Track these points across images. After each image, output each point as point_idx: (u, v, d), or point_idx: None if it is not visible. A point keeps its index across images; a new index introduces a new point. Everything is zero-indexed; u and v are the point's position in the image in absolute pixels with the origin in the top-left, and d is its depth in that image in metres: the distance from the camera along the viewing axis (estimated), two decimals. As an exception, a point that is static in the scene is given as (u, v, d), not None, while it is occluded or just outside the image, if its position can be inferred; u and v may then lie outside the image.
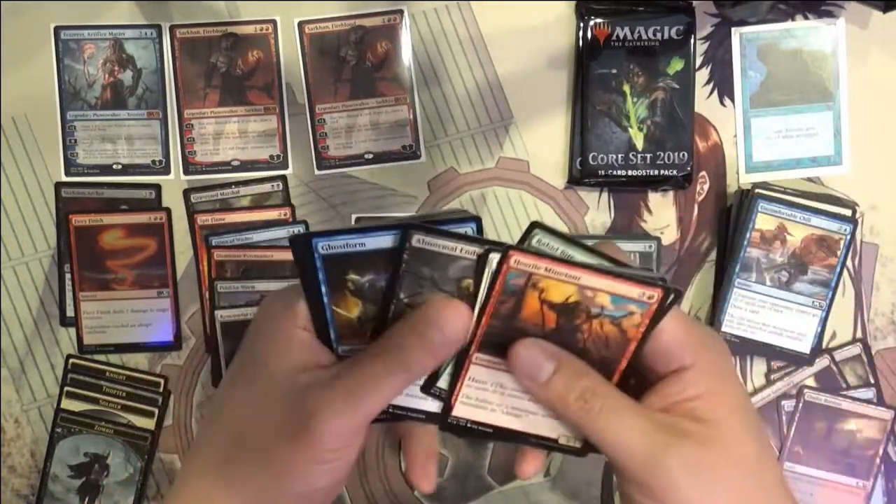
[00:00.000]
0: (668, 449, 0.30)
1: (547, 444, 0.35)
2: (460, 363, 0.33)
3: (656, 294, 0.31)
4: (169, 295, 0.60)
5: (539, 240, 0.32)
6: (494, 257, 0.31)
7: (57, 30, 0.60)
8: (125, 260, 0.60)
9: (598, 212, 0.60)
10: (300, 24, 0.60)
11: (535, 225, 0.32)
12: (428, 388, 0.34)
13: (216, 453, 0.34)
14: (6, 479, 0.61)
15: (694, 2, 0.59)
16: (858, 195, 0.60)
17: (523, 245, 0.32)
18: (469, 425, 0.35)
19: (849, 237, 0.58)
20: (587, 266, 0.31)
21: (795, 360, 0.59)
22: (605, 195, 0.60)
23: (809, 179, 0.60)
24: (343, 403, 0.31)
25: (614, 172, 0.59)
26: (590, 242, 0.33)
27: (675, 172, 0.58)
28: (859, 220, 0.59)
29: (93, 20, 0.60)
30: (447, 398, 0.34)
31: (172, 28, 0.60)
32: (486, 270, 0.31)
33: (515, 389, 0.34)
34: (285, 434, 0.32)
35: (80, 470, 0.60)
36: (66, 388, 0.60)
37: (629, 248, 0.59)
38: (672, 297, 0.31)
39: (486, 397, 0.34)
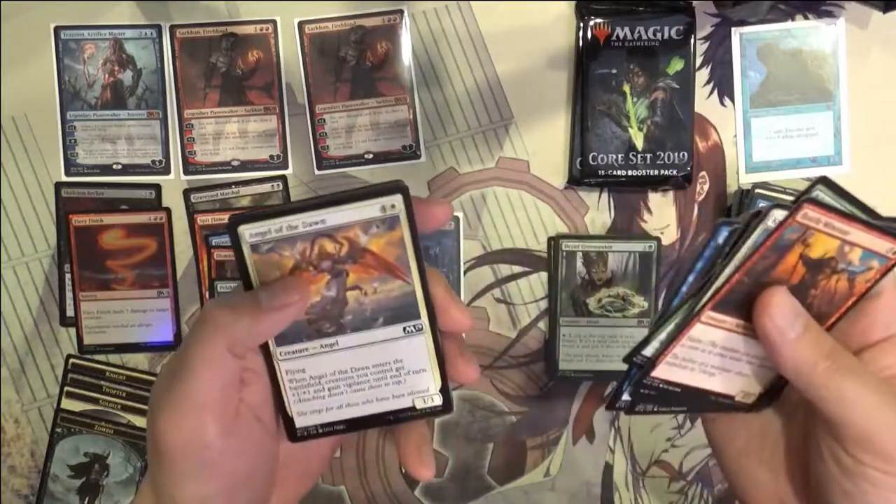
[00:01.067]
0: None
1: (724, 403, 0.35)
2: (685, 324, 0.32)
3: None
4: (169, 295, 0.60)
5: (818, 195, 0.32)
6: (779, 213, 0.30)
7: (57, 30, 0.60)
8: (125, 260, 0.60)
9: (598, 212, 0.60)
10: (300, 24, 0.60)
11: (821, 180, 0.32)
12: (630, 357, 0.33)
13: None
14: (6, 479, 0.61)
15: (694, 2, 0.59)
16: (858, 195, 0.59)
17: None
18: (661, 385, 0.34)
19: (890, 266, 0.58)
20: (862, 221, 0.31)
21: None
22: (605, 195, 0.60)
23: (809, 179, 0.60)
24: (175, 410, 0.30)
25: (614, 172, 0.59)
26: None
27: (675, 172, 0.58)
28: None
29: (93, 20, 0.60)
30: (648, 365, 0.33)
31: (172, 28, 0.60)
32: (758, 227, 0.30)
33: (729, 349, 0.33)
34: (150, 451, 0.31)
35: (80, 470, 0.60)
36: (66, 388, 0.60)
37: (629, 249, 0.59)
38: None
39: (693, 356, 0.33)
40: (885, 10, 0.57)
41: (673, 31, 0.58)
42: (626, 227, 0.60)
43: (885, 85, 0.60)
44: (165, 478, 0.30)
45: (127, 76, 0.60)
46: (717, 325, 0.32)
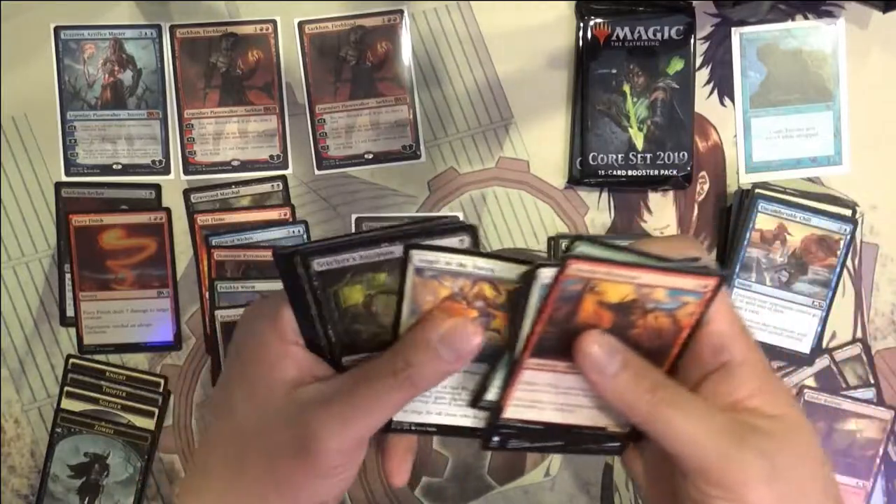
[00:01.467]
0: (743, 443, 0.30)
1: (598, 435, 0.35)
2: (512, 371, 0.33)
3: (711, 283, 0.31)
4: (169, 295, 0.60)
5: (581, 251, 0.32)
6: (547, 272, 0.30)
7: (57, 30, 0.60)
8: (125, 260, 0.60)
9: (598, 212, 0.60)
10: (300, 24, 0.60)
11: (578, 238, 0.32)
12: (476, 402, 0.34)
13: (219, 474, 0.34)
14: (6, 479, 0.61)
15: (694, 2, 0.59)
16: (858, 195, 0.60)
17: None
18: (518, 423, 0.35)
19: (849, 237, 0.58)
20: (645, 265, 0.31)
21: (796, 360, 0.59)
22: (605, 195, 0.60)
23: (809, 179, 0.60)
24: (342, 422, 0.31)
25: (614, 172, 0.59)
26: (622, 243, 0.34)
27: (675, 172, 0.58)
28: (859, 220, 0.59)
29: (93, 20, 0.60)
30: (495, 408, 0.34)
31: (172, 28, 0.60)
32: (535, 285, 0.31)
33: (568, 387, 0.34)
34: (288, 453, 0.32)
35: (80, 470, 0.60)
36: (66, 388, 0.60)
37: (629, 248, 0.59)
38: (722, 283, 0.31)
39: (538, 398, 0.34)
40: (885, 10, 0.57)
41: (673, 31, 0.58)
42: (626, 227, 0.60)
43: (885, 85, 0.60)
44: (298, 473, 0.32)
45: (127, 76, 0.60)
46: (547, 368, 0.33)
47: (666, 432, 0.30)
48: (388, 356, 0.32)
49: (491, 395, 0.34)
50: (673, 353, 0.33)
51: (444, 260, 0.31)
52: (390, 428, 0.35)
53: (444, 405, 0.35)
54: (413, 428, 0.35)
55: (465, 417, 0.35)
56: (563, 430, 0.35)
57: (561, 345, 0.32)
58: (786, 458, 0.30)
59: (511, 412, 0.34)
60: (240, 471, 0.33)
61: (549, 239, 0.60)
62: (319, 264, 0.32)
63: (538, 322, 0.31)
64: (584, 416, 0.34)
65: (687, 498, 0.31)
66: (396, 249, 0.32)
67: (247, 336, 0.35)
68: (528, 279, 0.31)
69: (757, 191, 0.58)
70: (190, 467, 0.36)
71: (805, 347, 0.58)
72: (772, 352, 0.58)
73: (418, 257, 0.31)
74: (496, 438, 0.35)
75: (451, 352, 0.31)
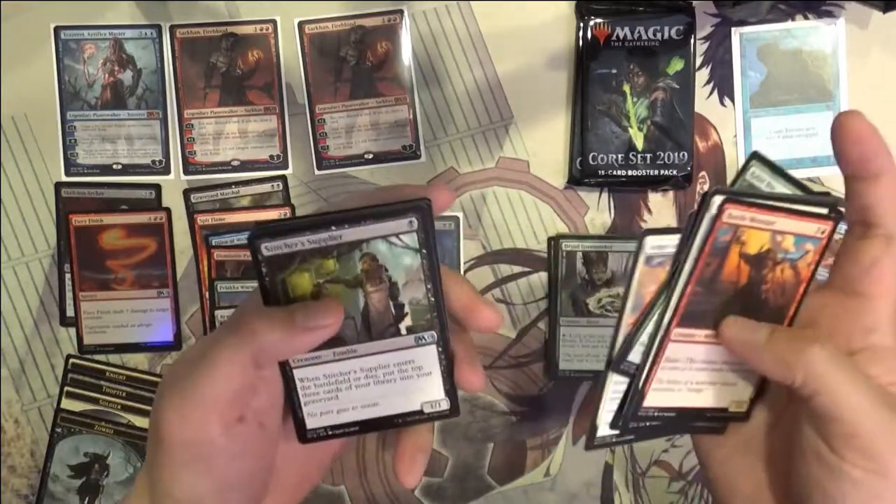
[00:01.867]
0: None
1: (719, 417, 0.34)
2: (659, 348, 0.32)
3: (828, 227, 0.32)
4: (169, 295, 0.60)
5: (753, 172, 0.32)
6: (708, 215, 0.30)
7: (57, 30, 0.60)
8: (125, 260, 0.60)
9: (598, 212, 0.60)
10: (300, 24, 0.60)
11: (754, 155, 0.32)
12: (618, 365, 0.33)
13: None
14: (6, 479, 0.61)
15: (694, 2, 0.59)
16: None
17: (738, 180, 0.32)
18: (655, 414, 0.34)
19: (824, 248, 0.58)
20: (783, 203, 0.31)
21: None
22: (605, 195, 0.60)
23: (809, 179, 0.60)
24: (181, 398, 0.30)
25: (614, 172, 0.59)
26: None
27: (675, 172, 0.58)
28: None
29: (93, 20, 0.60)
30: (639, 388, 0.33)
31: (172, 28, 0.60)
32: (700, 232, 0.30)
33: (704, 361, 0.33)
34: (150, 443, 0.32)
35: (80, 470, 0.60)
36: (66, 388, 0.60)
37: (629, 249, 0.59)
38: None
39: (677, 377, 0.33)
40: (885, 10, 0.57)
41: (673, 31, 0.58)
42: (625, 227, 0.60)
43: (885, 85, 0.60)
44: (162, 469, 0.31)
45: (127, 76, 0.60)
46: (689, 340, 0.32)
47: (828, 390, 0.29)
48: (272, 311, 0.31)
49: (634, 355, 0.33)
50: (791, 311, 0.33)
51: (671, 244, 0.31)
52: (306, 438, 0.33)
53: (350, 397, 0.33)
54: (330, 433, 0.33)
55: (377, 406, 0.34)
56: (687, 417, 0.34)
57: (707, 310, 0.32)
58: None
59: (652, 399, 0.33)
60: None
61: (549, 239, 0.60)
62: (267, 248, 0.31)
63: (690, 283, 0.31)
64: (712, 395, 0.34)
65: (818, 464, 0.30)
66: (345, 233, 0.31)
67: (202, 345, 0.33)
68: (693, 218, 0.31)
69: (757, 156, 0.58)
70: None
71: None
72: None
73: (651, 244, 0.31)
74: (608, 433, 0.34)
75: (302, 316, 0.30)
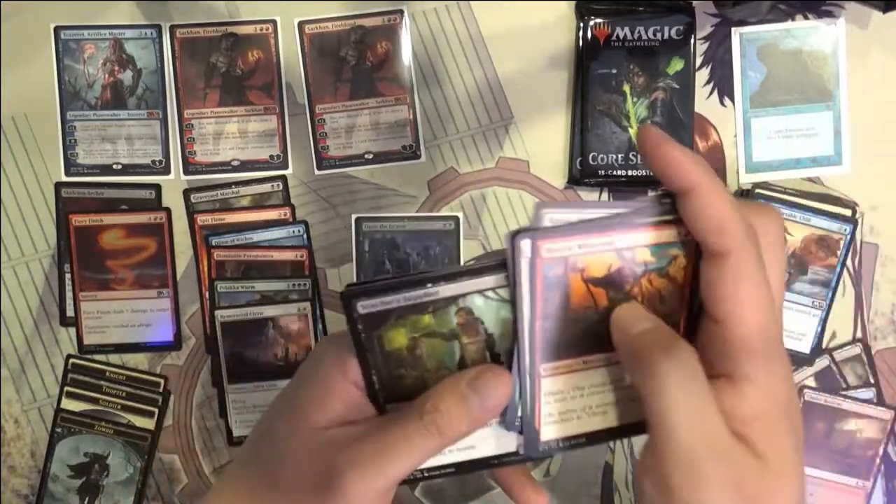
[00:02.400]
0: (719, 462, 0.27)
1: (637, 430, 0.34)
2: (532, 385, 0.32)
3: (685, 228, 0.30)
4: (169, 295, 0.60)
5: (550, 218, 0.30)
6: (524, 259, 0.29)
7: (57, 30, 0.60)
8: (125, 260, 0.60)
9: (598, 212, 0.60)
10: (300, 24, 0.60)
11: (540, 205, 0.30)
12: (511, 426, 0.33)
13: (248, 494, 0.34)
14: (6, 479, 0.61)
15: (694, 2, 0.59)
16: (858, 195, 0.60)
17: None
18: (561, 444, 0.33)
19: (849, 237, 0.58)
20: (614, 223, 0.29)
21: (796, 360, 0.59)
22: (605, 195, 0.60)
23: (809, 179, 0.60)
24: (370, 465, 0.31)
25: (614, 172, 0.59)
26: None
27: (675, 172, 0.58)
28: (859, 220, 0.59)
29: (93, 20, 0.60)
30: (531, 425, 0.33)
31: (172, 28, 0.60)
32: (520, 274, 0.30)
33: (593, 385, 0.32)
34: (314, 489, 0.31)
35: (80, 470, 0.60)
36: (66, 388, 0.60)
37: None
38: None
39: (569, 406, 0.33)
40: (885, 10, 0.57)
41: (673, 31, 0.58)
42: (626, 227, 0.60)
43: (885, 85, 0.60)
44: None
45: (127, 76, 0.60)
46: (567, 371, 0.32)
47: (663, 404, 0.27)
48: (419, 401, 0.32)
49: (521, 410, 0.33)
50: (681, 317, 0.31)
51: (387, 301, 0.31)
52: (416, 478, 0.34)
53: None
54: (426, 474, 0.34)
55: (485, 445, 0.34)
56: (603, 435, 0.33)
57: (566, 339, 0.31)
58: (755, 499, 0.27)
59: (547, 432, 0.33)
60: (267, 495, 0.33)
61: (549, 239, 0.60)
62: (363, 307, 0.31)
63: (535, 318, 0.31)
64: (619, 413, 0.33)
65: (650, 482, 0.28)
66: (441, 290, 0.31)
67: (310, 363, 0.34)
68: (505, 268, 0.30)
69: (757, 190, 0.58)
70: (224, 475, 0.36)
71: (805, 347, 0.58)
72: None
73: (360, 304, 0.31)
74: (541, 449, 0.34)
75: (478, 398, 0.31)
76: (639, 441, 0.60)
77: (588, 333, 0.32)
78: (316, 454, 0.32)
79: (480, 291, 0.31)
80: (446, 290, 0.31)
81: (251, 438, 0.36)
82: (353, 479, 0.30)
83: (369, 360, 0.32)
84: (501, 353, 0.32)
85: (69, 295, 0.60)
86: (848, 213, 0.58)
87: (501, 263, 0.31)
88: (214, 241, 0.60)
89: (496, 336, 0.32)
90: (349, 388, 0.33)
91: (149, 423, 0.60)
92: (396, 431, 0.31)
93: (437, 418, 0.31)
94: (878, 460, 0.59)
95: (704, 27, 0.60)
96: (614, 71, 0.58)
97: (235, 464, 0.36)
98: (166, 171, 0.61)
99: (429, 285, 0.31)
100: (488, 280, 0.31)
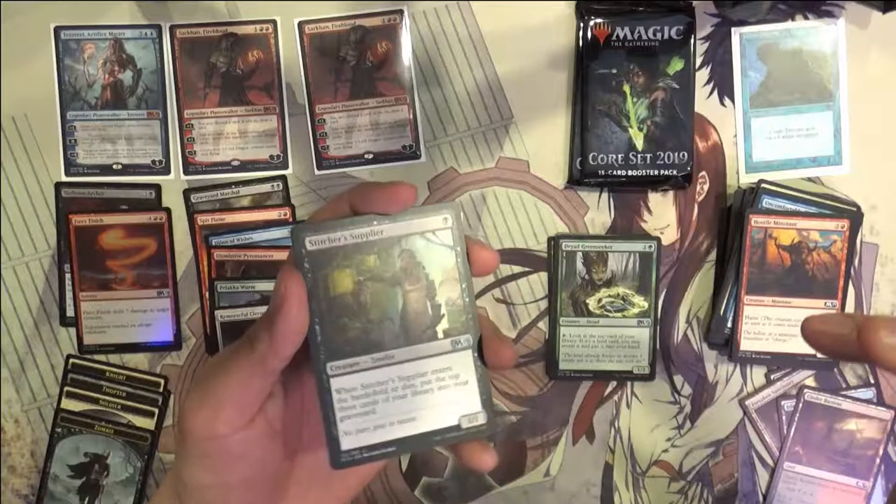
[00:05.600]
0: None
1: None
2: (737, 308, 0.52)
3: (846, 223, 0.54)
4: (169, 295, 0.60)
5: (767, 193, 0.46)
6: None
7: (57, 30, 0.60)
8: (125, 260, 0.60)
9: (598, 212, 0.60)
10: (300, 24, 0.60)
11: (761, 182, 0.47)
12: (717, 339, 0.47)
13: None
14: (6, 479, 0.61)
15: (694, 2, 0.59)
16: (858, 195, 0.60)
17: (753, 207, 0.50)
18: (752, 356, 0.55)
19: (849, 237, 0.58)
20: (801, 214, 0.43)
21: (812, 365, 0.59)
22: (605, 195, 0.60)
23: (809, 179, 0.60)
24: (200, 400, 0.32)
25: (614, 172, 0.59)
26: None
27: (675, 172, 0.58)
28: (859, 220, 0.59)
29: (93, 20, 0.60)
30: (732, 337, 0.52)
31: (172, 28, 0.60)
32: (742, 233, 0.48)
33: (779, 318, 0.45)
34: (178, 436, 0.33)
35: (80, 470, 0.60)
36: (66, 388, 0.60)
37: (629, 249, 0.59)
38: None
39: (760, 330, 0.51)
40: (885, 10, 0.57)
41: (673, 31, 0.58)
42: (626, 227, 0.60)
43: (885, 85, 0.60)
44: (178, 457, 0.33)
45: (127, 76, 0.60)
46: (759, 304, 0.47)
47: None
48: (246, 333, 0.32)
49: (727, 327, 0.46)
50: (841, 283, 0.50)
51: (332, 236, 0.32)
52: (340, 461, 0.32)
53: (387, 409, 0.32)
54: (364, 455, 0.32)
55: (413, 422, 0.33)
56: (786, 359, 0.49)
57: (764, 285, 0.55)
58: None
59: (745, 344, 0.46)
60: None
61: (549, 239, 0.60)
62: (311, 242, 0.31)
63: (743, 264, 0.54)
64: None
65: None
66: (385, 229, 0.32)
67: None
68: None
69: (763, 185, 0.58)
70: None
71: (806, 348, 0.58)
72: (796, 362, 0.58)
73: (308, 239, 0.32)
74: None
75: (282, 322, 0.31)
76: (638, 441, 0.60)
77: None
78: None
79: (422, 233, 0.32)
80: (390, 229, 0.32)
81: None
82: (190, 415, 0.31)
83: (313, 306, 0.32)
84: (441, 303, 0.32)
85: (69, 295, 0.60)
86: (848, 213, 0.58)
87: (441, 206, 0.32)
88: (214, 241, 0.60)
89: (436, 284, 0.32)
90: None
91: (149, 423, 0.60)
92: (225, 363, 0.32)
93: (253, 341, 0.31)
94: (878, 460, 0.59)
95: (704, 27, 0.60)
96: (614, 71, 0.58)
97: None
98: (166, 171, 0.61)
99: (374, 223, 0.32)
100: (430, 221, 0.32)
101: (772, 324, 0.57)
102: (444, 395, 0.33)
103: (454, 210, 0.33)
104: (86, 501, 0.60)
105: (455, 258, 0.32)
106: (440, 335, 0.33)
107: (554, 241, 0.60)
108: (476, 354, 0.33)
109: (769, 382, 0.60)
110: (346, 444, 0.32)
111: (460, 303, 0.33)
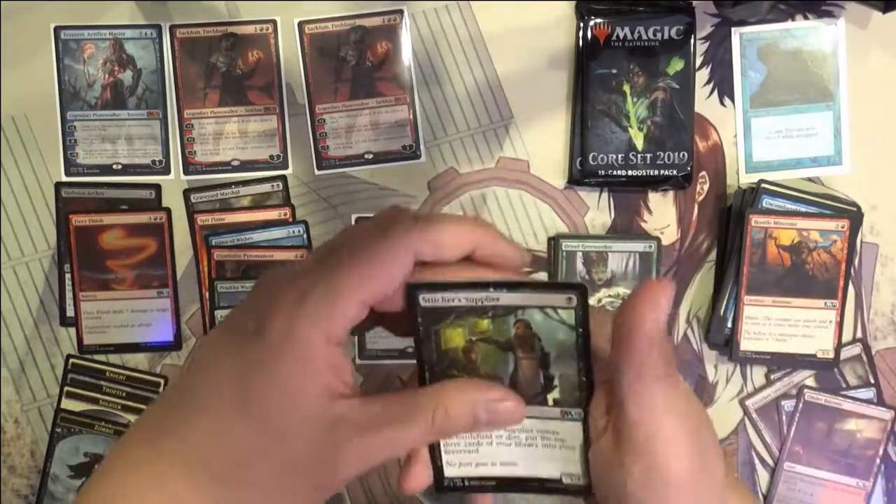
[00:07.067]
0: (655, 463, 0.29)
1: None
2: (737, 308, 0.53)
3: (846, 223, 0.54)
4: (169, 295, 0.60)
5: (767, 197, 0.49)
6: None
7: (57, 30, 0.60)
8: (125, 260, 0.60)
9: (598, 212, 0.60)
10: (300, 24, 0.60)
11: (761, 182, 0.47)
12: (717, 339, 0.51)
13: (220, 471, 0.30)
14: (6, 479, 0.61)
15: (694, 2, 0.59)
16: (858, 195, 0.60)
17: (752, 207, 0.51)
18: (752, 356, 0.56)
19: (849, 237, 0.58)
20: (798, 214, 0.43)
21: (813, 365, 0.58)
22: (605, 195, 0.60)
23: (809, 179, 0.60)
24: (367, 453, 0.30)
25: (614, 172, 0.59)
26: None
27: (675, 172, 0.58)
28: (859, 220, 0.59)
29: (93, 20, 0.60)
30: (732, 337, 0.54)
31: (172, 28, 0.60)
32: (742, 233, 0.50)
33: (779, 318, 0.48)
34: (303, 467, 0.30)
35: (80, 470, 0.60)
36: (66, 388, 0.60)
37: (629, 249, 0.59)
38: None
39: (760, 330, 0.53)
40: (885, 10, 0.57)
41: (673, 31, 0.58)
42: (626, 227, 0.60)
43: (885, 85, 0.60)
44: (256, 356, 0.29)
45: (127, 76, 0.60)
46: (757, 304, 0.43)
47: (639, 399, 0.30)
48: (427, 398, 0.31)
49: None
50: (840, 283, 0.51)
51: (450, 297, 0.32)
52: (443, 486, 0.34)
53: (492, 451, 0.34)
54: (467, 484, 0.34)
55: (515, 466, 0.34)
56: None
57: (763, 283, 0.56)
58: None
59: (451, 471, 0.34)
60: (243, 468, 0.30)
61: (549, 239, 0.60)
62: (425, 300, 0.31)
63: (743, 264, 0.54)
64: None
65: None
66: (502, 297, 0.31)
67: (282, 326, 0.29)
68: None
69: (763, 185, 0.58)
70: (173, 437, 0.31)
71: (811, 349, 0.58)
72: (780, 359, 0.58)
73: (423, 296, 0.31)
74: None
75: (487, 419, 0.31)
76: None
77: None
78: (310, 430, 0.30)
79: (541, 307, 0.31)
80: (507, 298, 0.31)
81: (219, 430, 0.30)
82: (348, 467, 0.30)
83: (424, 355, 0.32)
84: (555, 375, 0.32)
85: (69, 295, 0.60)
86: (848, 213, 0.58)
87: (567, 285, 0.31)
88: (214, 241, 0.60)
89: (552, 357, 0.32)
90: (328, 350, 0.29)
91: (149, 423, 0.60)
92: (401, 425, 0.31)
93: (439, 418, 0.31)
94: (878, 460, 0.59)
95: (704, 27, 0.60)
96: (614, 71, 0.58)
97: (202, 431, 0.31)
98: (166, 171, 0.61)
99: (491, 289, 0.31)
100: (551, 298, 0.31)
101: (772, 324, 0.57)
102: (548, 452, 0.33)
103: (581, 292, 0.31)
104: (86, 501, 0.60)
105: (575, 339, 0.31)
106: (550, 402, 0.33)
107: (554, 241, 0.60)
108: (585, 428, 0.33)
109: (769, 382, 0.60)
110: (449, 472, 0.34)
111: (575, 380, 0.32)
